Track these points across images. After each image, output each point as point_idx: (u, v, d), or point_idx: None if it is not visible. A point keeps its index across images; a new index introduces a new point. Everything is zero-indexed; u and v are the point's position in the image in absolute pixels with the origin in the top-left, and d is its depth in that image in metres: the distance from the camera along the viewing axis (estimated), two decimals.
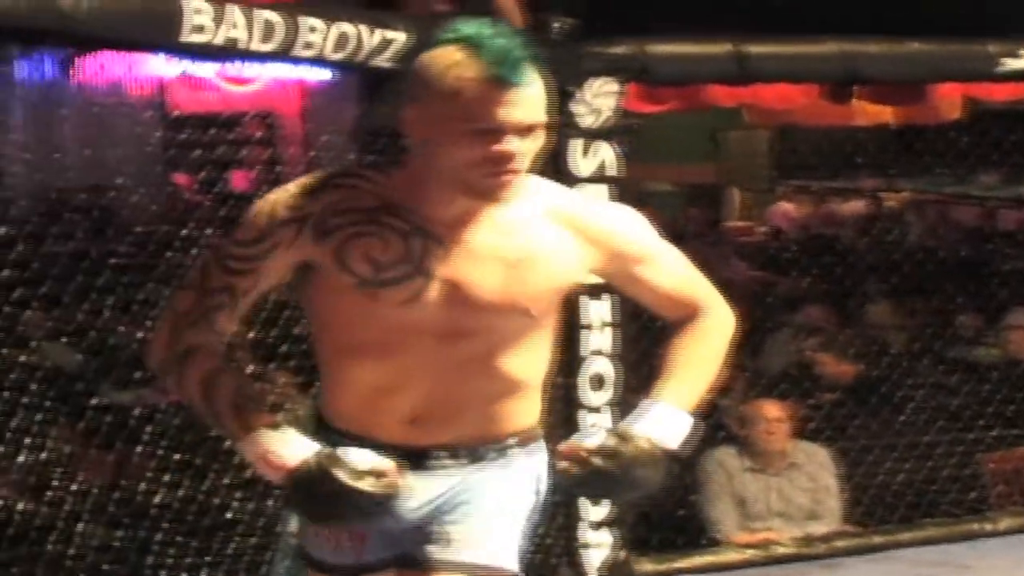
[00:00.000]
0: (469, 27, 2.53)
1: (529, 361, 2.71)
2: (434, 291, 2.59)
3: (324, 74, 12.23)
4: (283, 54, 3.99)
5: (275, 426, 2.56)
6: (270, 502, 4.70)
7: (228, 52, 3.90)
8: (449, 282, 2.60)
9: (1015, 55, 5.52)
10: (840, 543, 5.53)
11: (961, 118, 9.26)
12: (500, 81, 2.47)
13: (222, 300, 2.61)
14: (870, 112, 9.69)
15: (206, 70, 12.79)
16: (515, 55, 2.49)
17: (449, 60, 2.49)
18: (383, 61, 4.12)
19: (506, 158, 2.49)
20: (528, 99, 2.51)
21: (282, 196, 2.61)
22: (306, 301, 2.71)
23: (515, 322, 2.64)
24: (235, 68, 10.59)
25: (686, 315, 2.76)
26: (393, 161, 2.64)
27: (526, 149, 2.53)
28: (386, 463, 2.53)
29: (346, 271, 2.57)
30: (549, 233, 2.66)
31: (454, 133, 2.48)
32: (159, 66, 12.78)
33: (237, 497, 4.88)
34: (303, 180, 2.64)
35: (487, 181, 2.51)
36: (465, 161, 2.49)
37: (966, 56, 5.54)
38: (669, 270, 2.76)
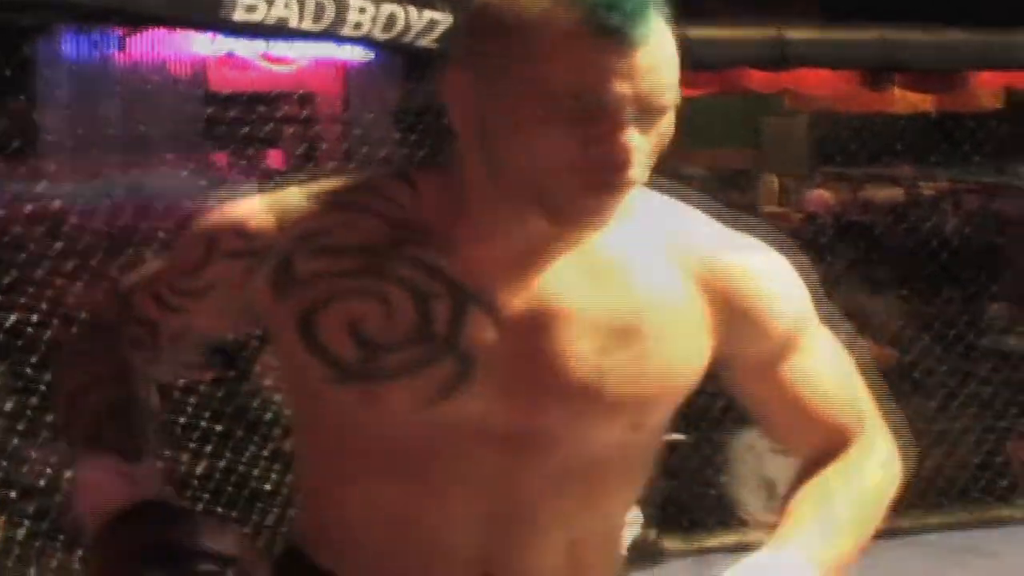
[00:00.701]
0: None
1: (632, 489, 1.79)
2: (480, 379, 1.64)
3: (365, 54, 12.30)
4: (331, 34, 4.06)
5: (133, 454, 1.67)
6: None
7: (278, 31, 3.96)
8: (506, 362, 1.64)
9: None
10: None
11: (1001, 108, 9.27)
12: (614, 35, 1.51)
13: (139, 335, 1.77)
14: (910, 100, 9.69)
15: (248, 50, 12.89)
16: None
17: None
18: (429, 42, 4.19)
19: (619, 160, 1.53)
20: (656, 64, 1.55)
21: (236, 212, 1.70)
22: (280, 370, 1.79)
23: (614, 432, 1.67)
24: (278, 48, 10.68)
25: (831, 446, 1.77)
26: (430, 165, 1.77)
27: (648, 146, 1.57)
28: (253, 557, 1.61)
29: (317, 354, 1.64)
30: (675, 288, 1.68)
31: (534, 117, 1.53)
32: (201, 46, 12.88)
33: (276, 469, 4.97)
34: (281, 192, 1.73)
35: (584, 199, 1.56)
36: (551, 163, 1.54)
37: (1006, 45, 5.58)
38: (825, 370, 1.77)
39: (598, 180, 1.55)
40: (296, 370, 1.69)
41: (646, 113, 1.55)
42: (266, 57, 12.89)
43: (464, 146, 1.63)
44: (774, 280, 1.72)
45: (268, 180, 6.19)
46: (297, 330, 1.65)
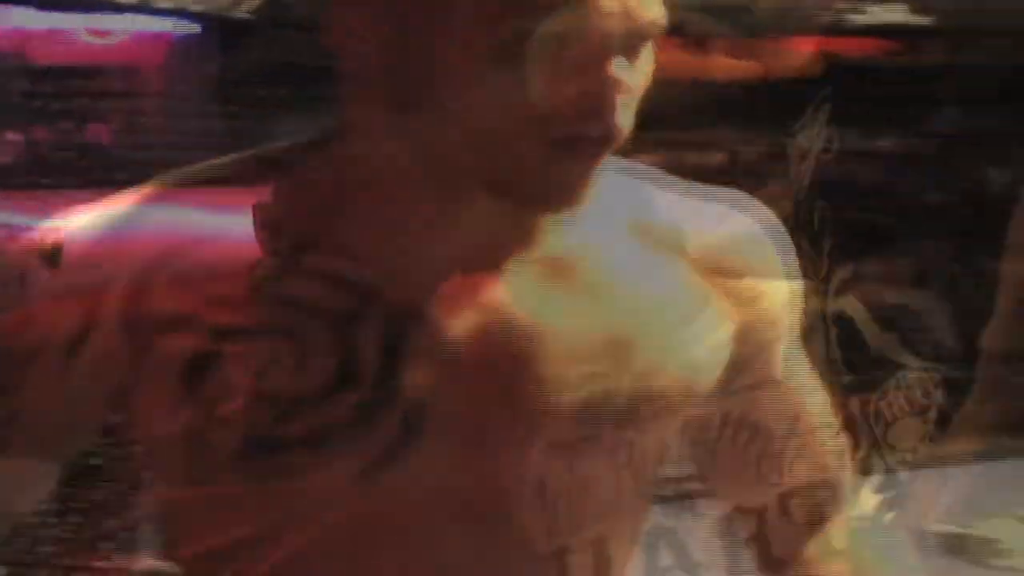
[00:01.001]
0: None
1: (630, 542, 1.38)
2: (434, 430, 1.18)
3: (189, 27, 12.20)
4: (145, 6, 4.03)
5: None
6: (136, 448, 4.79)
7: (90, 4, 3.94)
8: (465, 403, 1.19)
9: (861, 11, 5.72)
10: (698, 485, 5.69)
11: (819, 72, 9.47)
12: None
13: None
14: (729, 65, 9.86)
15: (71, 23, 12.71)
16: None
17: None
18: (244, 12, 4.17)
19: (607, 99, 1.15)
20: None
21: (58, 235, 1.20)
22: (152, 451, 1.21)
23: (611, 475, 1.28)
24: (101, 21, 10.58)
25: (813, 485, 1.40)
26: (310, 143, 1.20)
27: (635, 83, 1.20)
28: None
29: (207, 422, 1.21)
30: (669, 279, 1.27)
31: (486, 47, 1.08)
32: (22, 19, 12.67)
33: (103, 443, 4.95)
34: (117, 199, 1.21)
35: (555, 162, 1.13)
36: (510, 113, 1.11)
37: (812, 10, 5.73)
38: (803, 379, 1.40)
39: (576, 130, 1.13)
40: (179, 448, 1.22)
41: (633, 36, 1.15)
42: (89, 30, 12.73)
43: (369, 107, 1.13)
44: (765, 257, 1.30)
45: (90, 154, 6.12)
46: (174, 392, 1.20)
